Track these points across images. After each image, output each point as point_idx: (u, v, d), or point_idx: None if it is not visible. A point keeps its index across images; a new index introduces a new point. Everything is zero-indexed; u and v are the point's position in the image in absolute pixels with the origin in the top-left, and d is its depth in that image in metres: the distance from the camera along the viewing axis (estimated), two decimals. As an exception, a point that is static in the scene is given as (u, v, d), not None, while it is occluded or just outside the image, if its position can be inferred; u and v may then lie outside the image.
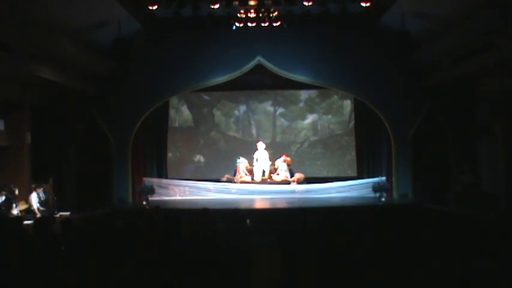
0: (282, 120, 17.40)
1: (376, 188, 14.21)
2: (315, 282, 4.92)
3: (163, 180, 15.93)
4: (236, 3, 12.27)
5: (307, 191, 15.39)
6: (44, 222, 6.70)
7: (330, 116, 17.25)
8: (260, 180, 16.00)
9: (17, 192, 11.20)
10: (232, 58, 14.85)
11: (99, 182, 14.76)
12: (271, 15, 13.08)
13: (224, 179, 15.99)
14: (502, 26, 9.99)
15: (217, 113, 17.47)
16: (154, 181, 15.42)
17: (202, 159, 17.32)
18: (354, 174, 16.65)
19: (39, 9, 10.47)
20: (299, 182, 15.78)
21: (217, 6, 12.23)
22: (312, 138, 17.25)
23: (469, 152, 14.01)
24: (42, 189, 11.93)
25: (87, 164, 14.86)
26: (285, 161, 16.14)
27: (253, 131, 17.39)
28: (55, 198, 12.43)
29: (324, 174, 16.82)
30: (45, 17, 10.79)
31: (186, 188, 15.60)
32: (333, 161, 17.13)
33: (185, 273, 4.88)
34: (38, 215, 10.92)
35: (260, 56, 14.91)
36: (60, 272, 4.85)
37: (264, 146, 16.30)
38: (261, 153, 16.21)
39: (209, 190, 15.47)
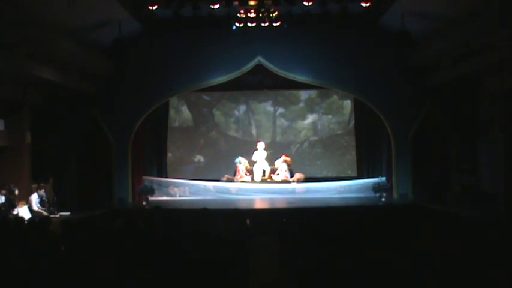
0: (282, 120, 17.40)
1: (376, 188, 14.22)
2: (314, 282, 4.92)
3: (164, 180, 15.94)
4: (236, 3, 12.26)
5: (307, 191, 15.40)
6: (42, 222, 6.70)
7: (330, 116, 17.25)
8: (260, 180, 16.00)
9: (16, 192, 11.19)
10: (232, 58, 14.85)
11: (99, 182, 14.76)
12: (271, 15, 13.08)
13: (224, 179, 15.99)
14: (502, 26, 9.99)
15: (217, 113, 17.47)
16: (154, 181, 15.43)
17: (202, 159, 17.32)
18: (354, 174, 16.65)
19: (39, 9, 10.47)
20: (299, 182, 15.78)
21: (217, 6, 12.22)
22: (312, 138, 17.25)
23: (469, 152, 14.00)
24: (43, 190, 11.93)
25: (87, 164, 14.87)
26: (285, 161, 16.14)
27: (253, 131, 17.39)
28: (55, 198, 12.44)
29: (323, 174, 16.82)
30: (45, 17, 10.79)
31: (186, 188, 15.60)
32: (332, 161, 17.12)
33: (185, 273, 4.88)
34: (45, 214, 10.93)
35: (260, 56, 14.91)
36: (60, 272, 4.85)
37: (263, 146, 16.30)
38: (261, 153, 16.21)
39: (209, 190, 15.48)
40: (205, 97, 17.36)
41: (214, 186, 15.59)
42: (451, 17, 11.66)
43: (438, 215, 11.29)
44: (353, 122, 16.98)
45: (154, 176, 16.03)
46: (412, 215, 11.08)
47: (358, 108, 16.63)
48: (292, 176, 16.01)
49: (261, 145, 16.29)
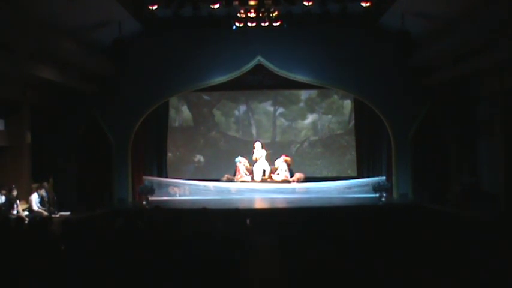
0: (282, 120, 17.39)
1: (376, 188, 14.23)
2: (314, 282, 4.92)
3: (164, 180, 15.95)
4: (236, 3, 12.26)
5: (307, 191, 15.40)
6: (43, 222, 6.70)
7: (330, 116, 17.24)
8: (260, 180, 16.00)
9: (15, 192, 11.17)
10: (232, 58, 14.86)
11: (99, 182, 14.77)
12: (271, 15, 13.07)
13: (224, 179, 15.99)
14: (502, 26, 9.99)
15: (217, 113, 17.47)
16: (154, 181, 15.43)
17: (202, 159, 17.31)
18: (354, 174, 16.65)
19: (39, 9, 10.47)
20: (299, 182, 15.78)
21: (217, 6, 12.21)
22: (312, 138, 17.24)
23: (469, 152, 14.01)
24: (44, 190, 11.93)
25: (87, 164, 14.88)
26: (285, 161, 16.14)
27: (253, 131, 17.38)
28: (55, 198, 12.45)
29: (324, 174, 16.82)
30: (45, 17, 10.79)
31: (186, 188, 15.60)
32: (332, 160, 17.12)
33: (185, 273, 4.88)
34: (45, 214, 10.94)
35: (260, 56, 14.92)
36: (60, 272, 4.85)
37: (260, 145, 16.31)
38: (260, 153, 16.21)
39: (209, 190, 15.47)
40: (205, 97, 17.36)
41: (214, 186, 15.59)
42: (451, 17, 11.66)
43: (438, 215, 11.30)
44: (353, 122, 16.97)
45: (154, 176, 16.03)
46: (412, 214, 11.09)
47: (358, 108, 16.62)
48: (292, 175, 16.01)
49: (258, 145, 16.30)
